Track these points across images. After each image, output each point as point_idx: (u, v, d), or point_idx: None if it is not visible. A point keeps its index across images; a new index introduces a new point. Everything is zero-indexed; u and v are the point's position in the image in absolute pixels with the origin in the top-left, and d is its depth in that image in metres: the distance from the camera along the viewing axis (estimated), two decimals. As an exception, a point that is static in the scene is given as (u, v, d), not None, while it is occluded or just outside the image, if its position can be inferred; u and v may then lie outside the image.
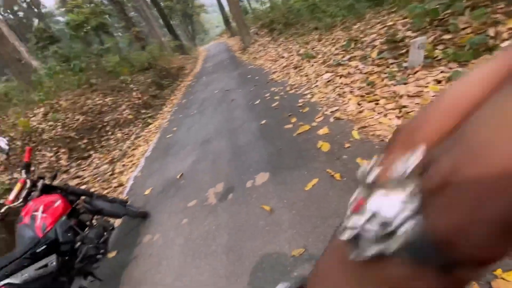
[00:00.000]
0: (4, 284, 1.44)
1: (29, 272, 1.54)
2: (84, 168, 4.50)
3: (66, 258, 1.77)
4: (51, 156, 4.49)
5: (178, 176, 3.16)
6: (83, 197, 2.14)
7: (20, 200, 1.85)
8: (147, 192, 3.17)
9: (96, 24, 9.09)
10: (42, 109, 5.73)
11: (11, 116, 5.41)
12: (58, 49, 7.53)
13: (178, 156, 3.79)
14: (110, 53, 9.20)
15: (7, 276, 1.46)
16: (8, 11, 26.31)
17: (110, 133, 5.68)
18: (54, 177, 2.17)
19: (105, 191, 3.59)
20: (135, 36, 11.35)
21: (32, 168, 2.49)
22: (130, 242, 2.44)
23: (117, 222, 2.76)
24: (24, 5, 27.85)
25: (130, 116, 6.33)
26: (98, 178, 4.03)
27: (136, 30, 11.86)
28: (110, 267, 2.27)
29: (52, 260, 1.66)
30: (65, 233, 1.82)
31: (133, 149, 4.98)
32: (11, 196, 1.84)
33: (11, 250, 1.68)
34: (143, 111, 6.89)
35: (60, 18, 36.00)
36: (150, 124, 6.15)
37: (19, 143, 4.59)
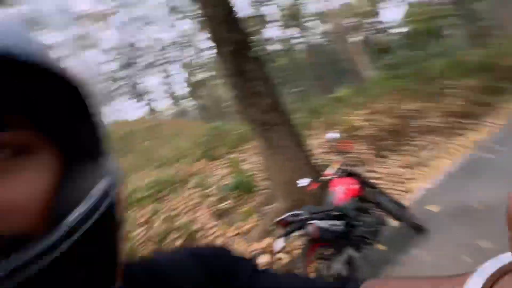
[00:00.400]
0: (315, 224, 2.22)
1: (327, 224, 2.24)
2: (381, 166, 5.07)
3: (350, 228, 2.30)
4: (360, 150, 5.58)
5: (478, 206, 2.57)
6: (370, 188, 2.57)
7: (332, 176, 2.65)
8: (433, 208, 2.95)
9: (432, 29, 9.07)
10: (363, 111, 7.11)
11: (341, 115, 7.34)
12: (388, 60, 8.67)
13: (489, 182, 3.01)
14: (439, 57, 8.85)
15: (315, 219, 2.26)
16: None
17: (413, 138, 5.74)
18: (356, 166, 2.81)
19: (391, 192, 3.86)
20: (475, 32, 9.71)
21: (346, 156, 3.34)
22: (400, 247, 2.52)
23: (393, 222, 2.92)
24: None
25: (439, 125, 5.87)
26: (390, 178, 4.38)
27: (480, 25, 10.08)
28: (377, 257, 2.54)
29: (340, 224, 2.26)
30: (352, 210, 2.35)
31: (433, 160, 4.68)
32: (329, 171, 2.70)
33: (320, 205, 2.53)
34: (459, 120, 6.01)
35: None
36: (464, 136, 5.28)
37: (345, 134, 6.20)
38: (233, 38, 3.51)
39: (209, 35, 3.89)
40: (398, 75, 7.93)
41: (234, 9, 3.88)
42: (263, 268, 0.39)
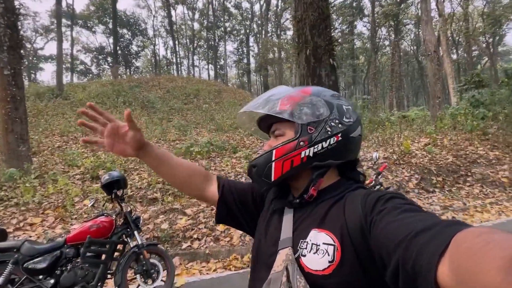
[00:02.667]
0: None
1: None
2: (420, 198, 5.05)
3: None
4: (404, 176, 5.55)
5: None
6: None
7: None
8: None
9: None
10: (426, 140, 6.83)
11: (401, 135, 7.12)
12: (477, 94, 7.87)
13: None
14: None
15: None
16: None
17: (467, 184, 5.46)
18: (390, 189, 3.07)
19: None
20: None
21: (381, 176, 3.54)
22: None
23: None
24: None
25: (505, 180, 5.43)
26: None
27: None
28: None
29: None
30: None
31: (479, 211, 4.52)
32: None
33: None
34: (531, 182, 5.45)
35: (514, 58, 33.60)
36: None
37: (394, 157, 6.16)
38: (316, 43, 3.86)
39: (294, 34, 4.28)
40: (480, 115, 7.23)
41: (326, 14, 4.15)
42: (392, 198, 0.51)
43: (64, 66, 23.21)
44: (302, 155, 0.63)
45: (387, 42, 32.62)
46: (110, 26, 25.87)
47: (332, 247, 0.53)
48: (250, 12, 34.15)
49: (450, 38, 23.86)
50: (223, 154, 7.16)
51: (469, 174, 5.64)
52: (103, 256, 2.23)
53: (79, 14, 27.03)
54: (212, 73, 34.67)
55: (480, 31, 26.10)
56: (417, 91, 38.66)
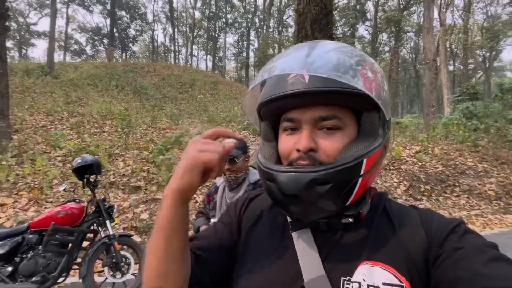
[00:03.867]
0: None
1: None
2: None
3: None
4: (393, 182, 5.53)
5: None
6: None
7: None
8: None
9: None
10: (417, 147, 6.82)
11: (392, 141, 7.11)
12: (471, 106, 7.91)
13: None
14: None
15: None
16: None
17: (454, 194, 5.47)
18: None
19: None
20: None
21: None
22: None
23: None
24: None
25: (491, 193, 5.46)
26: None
27: None
28: None
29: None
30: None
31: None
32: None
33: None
34: (517, 197, 5.51)
35: (509, 73, 34.32)
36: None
37: (385, 162, 6.13)
38: (317, 38, 3.73)
39: (295, 28, 4.14)
40: (472, 126, 7.27)
41: (328, 10, 4.02)
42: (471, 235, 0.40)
43: (57, 44, 22.48)
44: (382, 164, 0.46)
45: (387, 48, 32.78)
46: (109, 7, 25.09)
47: None
48: (253, 6, 33.69)
49: (448, 49, 24.09)
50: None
51: (457, 184, 5.66)
52: (70, 246, 2.08)
53: (76, -8, 26.11)
54: (210, 64, 34.17)
55: (478, 45, 26.44)
56: (412, 99, 39.07)
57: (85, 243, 2.23)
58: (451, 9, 23.62)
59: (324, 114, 0.42)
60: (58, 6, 19.13)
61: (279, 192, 0.42)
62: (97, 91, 11.87)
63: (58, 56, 23.25)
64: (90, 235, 2.26)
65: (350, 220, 0.44)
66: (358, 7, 28.47)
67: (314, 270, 0.42)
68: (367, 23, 30.22)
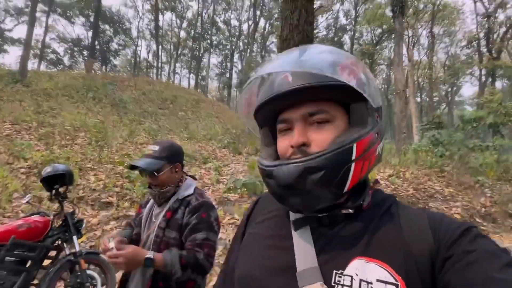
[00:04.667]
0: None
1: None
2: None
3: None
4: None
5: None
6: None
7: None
8: None
9: (492, 123, 8.79)
10: (390, 171, 7.16)
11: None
12: (437, 134, 8.56)
13: None
14: (488, 151, 8.55)
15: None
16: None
17: (425, 217, 5.73)
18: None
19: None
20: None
21: None
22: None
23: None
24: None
25: (457, 216, 5.78)
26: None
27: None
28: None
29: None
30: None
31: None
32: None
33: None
34: (479, 220, 5.87)
35: (468, 107, 37.83)
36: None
37: (360, 183, 6.35)
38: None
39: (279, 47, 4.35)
40: (439, 153, 7.82)
41: (310, 38, 4.29)
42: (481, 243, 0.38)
43: (32, 52, 21.61)
44: (376, 152, 0.46)
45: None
46: (92, 19, 24.87)
47: (393, 287, 0.38)
48: (238, 30, 35.03)
49: (416, 82, 26.30)
50: (193, 163, 6.88)
51: (427, 207, 5.94)
52: (29, 262, 1.88)
53: (59, 2, 25.75)
54: (192, 82, 34.39)
55: (441, 80, 29.16)
56: (384, 126, 41.39)
57: (46, 261, 2.03)
58: (417, 47, 26.15)
59: (311, 110, 0.45)
60: (38, 14, 18.66)
61: (276, 185, 0.44)
62: (72, 102, 11.40)
63: (32, 64, 22.28)
64: (52, 252, 2.07)
65: (351, 210, 0.45)
66: (335, 39, 30.62)
67: (308, 262, 0.43)
68: (344, 54, 32.28)
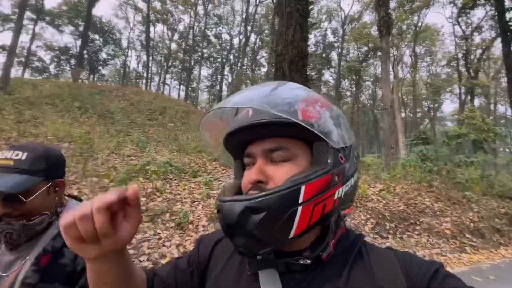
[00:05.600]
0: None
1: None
2: (374, 241, 5.11)
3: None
4: (361, 220, 5.66)
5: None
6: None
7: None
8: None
9: (476, 139, 9.12)
10: (381, 186, 7.21)
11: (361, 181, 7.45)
12: (424, 150, 8.78)
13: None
14: (473, 167, 8.81)
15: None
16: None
17: (416, 233, 5.73)
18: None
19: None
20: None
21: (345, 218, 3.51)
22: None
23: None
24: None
25: (447, 231, 5.82)
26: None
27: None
28: None
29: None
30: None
31: (426, 261, 4.67)
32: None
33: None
34: (468, 236, 5.93)
35: (449, 123, 39.48)
36: (468, 253, 5.21)
37: (354, 205, 6.33)
38: (293, 79, 3.95)
39: (274, 68, 4.37)
40: (427, 168, 7.98)
41: (304, 53, 4.33)
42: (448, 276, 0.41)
43: (17, 59, 21.00)
44: (335, 196, 0.44)
45: (348, 93, 36.13)
46: (81, 28, 24.62)
47: None
48: (229, 44, 35.59)
49: (400, 98, 27.32)
50: (182, 177, 6.68)
51: (418, 223, 5.96)
52: None
53: (47, 11, 25.43)
54: (182, 93, 34.26)
55: (424, 97, 30.44)
56: (371, 140, 42.48)
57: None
58: (401, 65, 27.37)
59: (271, 146, 0.45)
60: (25, 22, 18.28)
61: (223, 222, 0.42)
62: (57, 111, 11.01)
63: (15, 72, 21.58)
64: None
65: (308, 261, 0.44)
66: (324, 55, 31.61)
67: None
68: (332, 70, 33.42)
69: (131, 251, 3.49)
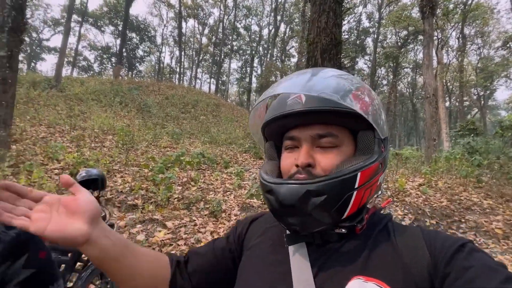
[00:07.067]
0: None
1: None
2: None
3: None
4: (397, 215, 5.39)
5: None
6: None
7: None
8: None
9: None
10: (421, 180, 6.76)
11: (393, 173, 7.05)
12: (471, 141, 7.99)
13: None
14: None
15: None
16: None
17: (461, 231, 5.31)
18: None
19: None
20: None
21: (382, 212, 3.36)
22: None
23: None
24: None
25: (498, 231, 5.30)
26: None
27: None
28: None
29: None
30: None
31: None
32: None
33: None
34: (524, 237, 5.34)
35: (503, 112, 35.32)
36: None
37: (389, 193, 6.02)
38: (327, 67, 3.81)
39: (306, 57, 4.25)
40: (475, 162, 7.28)
41: (338, 41, 4.15)
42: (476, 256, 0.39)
43: (66, 59, 23.05)
44: (378, 182, 0.48)
45: (385, 82, 33.99)
46: (120, 28, 26.15)
47: None
48: (258, 35, 35.31)
49: (445, 86, 25.00)
50: (214, 167, 6.90)
51: (463, 220, 5.51)
52: (63, 266, 1.90)
53: (90, 13, 27.35)
54: (213, 87, 35.01)
55: (473, 83, 27.47)
56: (409, 132, 39.73)
57: (79, 265, 2.05)
58: (446, 49, 24.89)
59: (321, 132, 0.46)
60: (72, 24, 19.92)
61: (278, 203, 0.44)
62: (101, 106, 11.95)
63: (65, 71, 23.76)
64: (84, 256, 2.09)
65: (344, 230, 0.46)
66: (358, 42, 29.95)
67: (305, 284, 0.43)
68: (367, 57, 31.61)
69: (169, 235, 3.74)
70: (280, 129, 0.52)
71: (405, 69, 31.89)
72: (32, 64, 30.65)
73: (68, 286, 1.97)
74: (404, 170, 7.78)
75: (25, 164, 4.99)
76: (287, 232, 0.50)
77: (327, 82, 0.45)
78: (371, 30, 29.89)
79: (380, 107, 0.49)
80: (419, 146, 17.27)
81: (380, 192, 0.51)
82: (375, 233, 0.47)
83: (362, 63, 32.90)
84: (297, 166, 0.46)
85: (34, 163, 5.19)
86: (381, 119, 0.47)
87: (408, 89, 35.62)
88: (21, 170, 4.83)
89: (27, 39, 25.93)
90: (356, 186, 0.43)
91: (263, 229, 0.57)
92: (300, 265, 0.45)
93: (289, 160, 0.48)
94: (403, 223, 5.18)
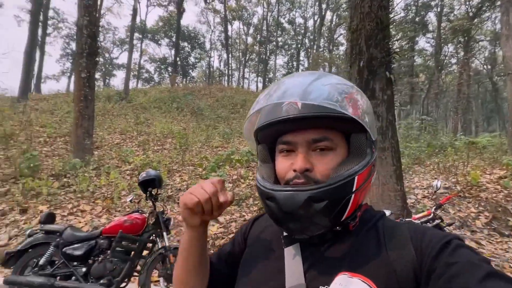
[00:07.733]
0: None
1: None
2: (492, 242, 4.19)
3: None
4: (470, 212, 4.71)
5: None
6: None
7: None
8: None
9: None
10: (502, 172, 5.76)
11: (467, 164, 6.14)
12: None
13: None
14: None
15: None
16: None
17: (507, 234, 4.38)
18: (451, 226, 2.56)
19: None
20: None
21: (441, 209, 3.02)
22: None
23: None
24: None
25: None
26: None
27: None
28: None
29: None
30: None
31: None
32: (416, 216, 2.60)
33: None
34: None
35: None
36: None
37: (458, 187, 5.31)
38: (372, 54, 3.56)
39: (348, 46, 4.03)
40: None
41: (384, 24, 3.84)
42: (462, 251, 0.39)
43: (132, 73, 26.24)
44: (371, 182, 0.50)
45: (453, 60, 29.51)
46: (174, 39, 28.51)
47: None
48: (303, 27, 34.40)
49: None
50: (263, 165, 7.06)
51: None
52: (132, 253, 2.25)
53: (149, 29, 30.45)
54: (260, 85, 35.48)
55: None
56: (490, 116, 33.81)
57: (144, 252, 2.40)
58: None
59: (316, 136, 0.47)
60: (135, 42, 22.58)
61: (278, 210, 0.45)
62: (161, 113, 13.29)
63: (132, 84, 27.03)
64: (149, 245, 2.43)
65: (339, 228, 0.48)
66: (417, 19, 26.67)
67: (296, 280, 0.46)
68: (429, 35, 27.93)
69: (221, 230, 4.01)
70: (274, 133, 0.51)
71: (480, 43, 27.14)
72: (107, 80, 35.76)
73: (136, 269, 2.32)
74: (479, 161, 6.73)
75: (104, 167, 5.93)
76: (284, 233, 0.52)
77: (322, 89, 0.45)
78: (433, 3, 26.26)
79: (370, 110, 0.51)
80: (503, 132, 14.55)
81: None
82: (364, 230, 0.48)
83: (423, 42, 29.17)
84: (294, 171, 0.46)
85: (111, 165, 6.12)
86: (371, 122, 0.49)
87: (485, 66, 30.27)
88: (102, 172, 5.75)
89: (101, 59, 30.32)
90: (354, 189, 0.44)
91: (263, 227, 0.60)
92: (293, 261, 0.48)
93: (286, 165, 0.49)
94: (477, 222, 4.55)
